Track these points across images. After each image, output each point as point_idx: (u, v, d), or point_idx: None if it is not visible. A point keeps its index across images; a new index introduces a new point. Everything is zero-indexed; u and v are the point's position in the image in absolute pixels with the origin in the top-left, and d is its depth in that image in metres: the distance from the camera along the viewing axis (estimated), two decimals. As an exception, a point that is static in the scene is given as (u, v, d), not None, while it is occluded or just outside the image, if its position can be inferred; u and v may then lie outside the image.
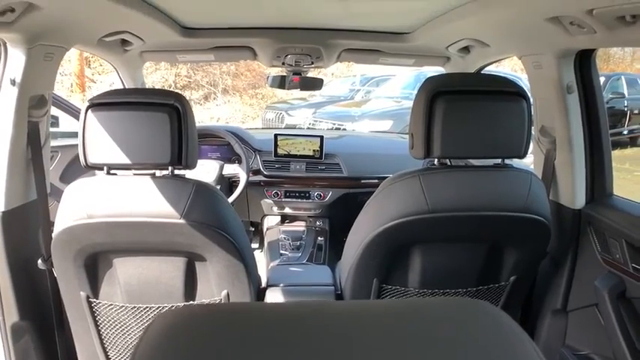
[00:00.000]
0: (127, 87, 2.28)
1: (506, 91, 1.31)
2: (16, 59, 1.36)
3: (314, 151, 2.68)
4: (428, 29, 1.76)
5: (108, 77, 9.91)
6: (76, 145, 2.39)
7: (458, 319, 0.47)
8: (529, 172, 1.42)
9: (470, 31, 1.68)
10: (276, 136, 2.69)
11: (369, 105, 7.31)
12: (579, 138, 1.54)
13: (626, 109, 8.11)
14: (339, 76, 11.29)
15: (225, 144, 2.64)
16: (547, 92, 1.54)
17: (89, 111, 1.31)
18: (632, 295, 1.39)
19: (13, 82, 1.37)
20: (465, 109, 1.28)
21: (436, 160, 1.36)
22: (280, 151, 2.69)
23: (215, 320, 0.44)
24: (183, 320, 0.45)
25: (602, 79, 7.96)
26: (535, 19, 1.27)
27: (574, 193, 1.58)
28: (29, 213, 1.55)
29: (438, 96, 1.28)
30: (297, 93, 9.96)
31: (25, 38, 1.31)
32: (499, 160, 1.39)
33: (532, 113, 1.52)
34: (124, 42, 1.89)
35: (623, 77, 8.50)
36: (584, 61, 1.47)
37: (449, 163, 1.40)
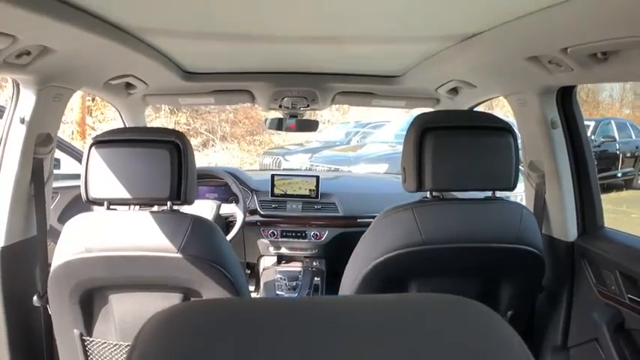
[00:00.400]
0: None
1: (493, 126, 1.39)
2: (27, 99, 1.44)
3: (310, 190, 2.73)
4: (417, 72, 1.87)
5: (109, 125, 10.12)
6: (76, 186, 2.44)
7: (447, 316, 0.50)
8: (520, 205, 1.47)
9: (457, 73, 1.78)
10: (273, 176, 2.75)
11: (364, 149, 7.46)
12: (567, 171, 1.60)
13: (618, 152, 8.29)
14: (334, 122, 11.56)
15: (222, 185, 2.70)
16: (533, 128, 1.62)
17: (93, 148, 1.38)
18: (630, 327, 1.40)
19: (22, 121, 1.44)
20: (454, 143, 1.35)
21: (428, 193, 1.41)
22: (277, 191, 2.74)
23: (213, 313, 0.47)
24: (179, 316, 0.48)
25: (592, 123, 8.22)
26: (516, 59, 1.36)
27: (566, 225, 1.62)
28: (28, 249, 1.58)
29: (427, 131, 1.35)
30: (293, 139, 10.17)
31: (37, 79, 1.39)
32: (490, 193, 1.45)
33: (520, 149, 1.59)
34: (128, 85, 1.99)
35: (612, 121, 8.75)
36: (565, 98, 1.56)
37: (441, 197, 1.45)
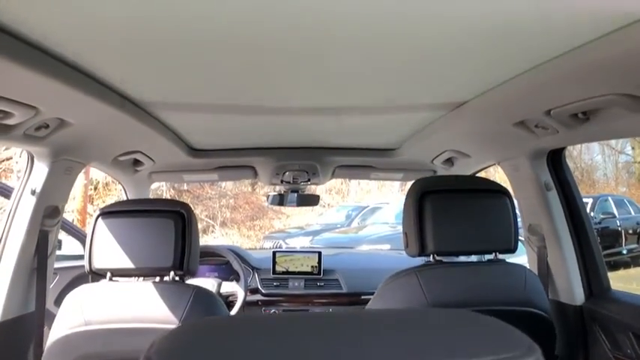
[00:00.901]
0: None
1: (489, 188, 1.45)
2: (40, 171, 1.51)
3: (312, 267, 2.71)
4: (413, 143, 1.96)
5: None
6: (76, 267, 2.43)
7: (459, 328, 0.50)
8: (523, 267, 1.48)
9: (450, 143, 1.88)
10: (274, 253, 2.75)
11: (365, 231, 7.48)
12: (566, 233, 1.62)
13: (619, 228, 8.29)
14: (334, 206, 11.69)
15: (223, 263, 2.68)
16: (528, 192, 1.67)
17: (100, 218, 1.42)
18: None
19: (33, 192, 1.50)
20: (453, 206, 1.40)
21: (431, 256, 1.43)
22: (279, 268, 2.71)
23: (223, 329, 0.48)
24: (186, 337, 0.49)
25: (590, 200, 8.30)
26: (505, 125, 1.45)
27: (572, 289, 1.61)
28: (24, 326, 1.55)
29: (426, 195, 1.40)
30: (294, 222, 10.21)
31: (51, 152, 1.47)
32: (492, 256, 1.46)
33: (517, 213, 1.63)
34: (136, 162, 2.07)
35: (610, 198, 8.86)
36: (556, 160, 1.63)
37: (444, 260, 1.46)
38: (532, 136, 1.44)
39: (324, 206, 12.01)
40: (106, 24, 0.86)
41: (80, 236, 2.69)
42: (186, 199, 11.79)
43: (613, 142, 13.64)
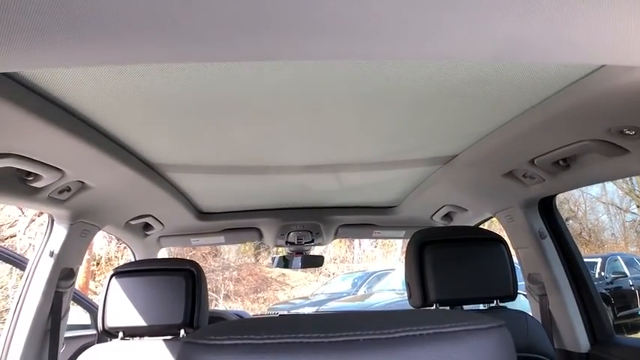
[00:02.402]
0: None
1: (485, 237, 1.53)
2: (58, 233, 1.60)
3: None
4: (411, 200, 2.07)
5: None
6: (82, 336, 2.46)
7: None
8: (524, 313, 1.52)
9: (447, 197, 1.99)
10: (280, 316, 2.75)
11: (372, 298, 7.35)
12: (565, 280, 1.68)
13: (632, 288, 8.13)
14: (339, 274, 11.56)
15: None
16: (524, 241, 1.75)
17: (113, 278, 1.50)
18: None
19: (51, 254, 1.58)
20: (451, 255, 1.48)
21: (434, 306, 1.48)
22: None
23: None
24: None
25: (599, 260, 8.21)
26: (495, 177, 1.57)
27: (576, 336, 1.63)
28: None
29: (425, 246, 1.48)
30: (298, 293, 10.03)
31: (70, 215, 1.57)
32: (494, 304, 1.51)
33: (516, 262, 1.70)
34: (146, 226, 2.17)
35: (619, 257, 8.76)
36: (547, 208, 1.72)
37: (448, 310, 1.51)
38: (521, 185, 1.55)
39: (328, 275, 11.86)
40: (132, 94, 1.01)
41: (86, 304, 2.72)
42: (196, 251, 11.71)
43: (618, 201, 13.72)
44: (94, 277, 11.10)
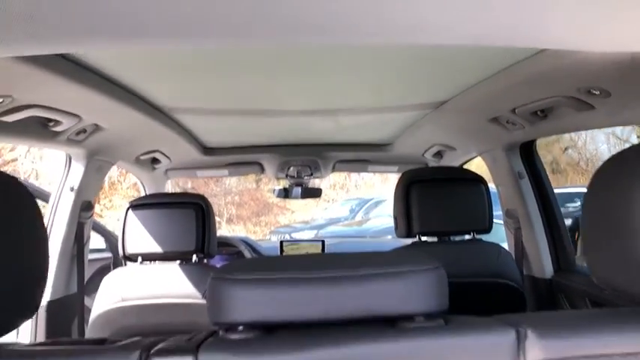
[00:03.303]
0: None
1: (467, 177, 1.69)
2: (76, 170, 1.76)
3: (316, 254, 2.96)
4: (404, 139, 2.21)
5: (116, 212, 10.54)
6: (99, 259, 2.70)
7: None
8: (497, 245, 1.72)
9: (437, 138, 2.12)
10: (281, 242, 3.00)
11: (369, 224, 7.71)
12: (537, 215, 1.86)
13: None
14: (338, 200, 11.93)
15: (235, 253, 2.94)
16: (505, 180, 1.91)
17: (129, 210, 1.68)
18: None
19: (71, 189, 1.76)
20: (434, 193, 1.64)
21: (417, 237, 1.67)
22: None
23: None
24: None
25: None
26: (481, 122, 1.69)
27: (542, 264, 1.85)
28: (68, 304, 1.81)
29: (412, 184, 1.64)
30: (299, 217, 10.47)
31: (86, 154, 1.72)
32: (471, 236, 1.70)
33: (498, 198, 1.87)
34: (154, 160, 2.33)
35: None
36: (527, 152, 1.87)
37: (428, 241, 1.71)
38: (504, 130, 1.68)
39: (328, 201, 12.26)
40: (146, 48, 1.11)
41: (100, 230, 2.95)
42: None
43: (618, 131, 13.77)
44: (99, 201, 11.52)
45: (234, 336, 0.62)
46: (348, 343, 0.60)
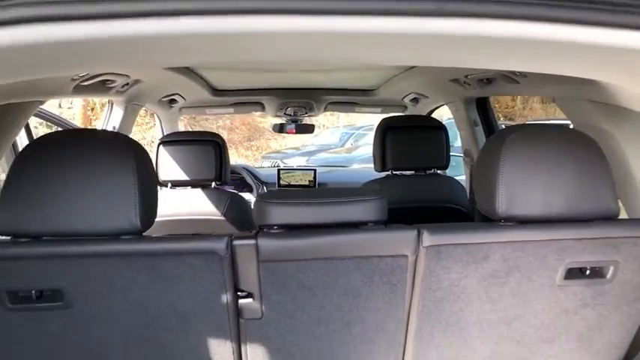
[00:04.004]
0: (165, 133, 3.13)
1: (430, 125, 2.16)
2: (117, 113, 2.20)
3: (309, 181, 3.48)
4: (387, 87, 2.64)
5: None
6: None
7: None
8: (451, 178, 2.24)
9: (414, 88, 2.56)
10: (279, 170, 3.51)
11: (357, 151, 8.23)
12: None
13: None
14: (329, 126, 12.32)
15: (238, 179, 3.45)
16: (463, 126, 2.39)
17: (160, 146, 2.14)
18: None
19: (114, 128, 2.20)
20: (405, 137, 2.12)
21: (390, 171, 2.18)
22: (282, 182, 3.49)
23: None
24: None
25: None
26: (444, 81, 2.14)
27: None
28: None
29: (388, 130, 2.12)
30: (290, 143, 10.93)
31: (125, 100, 2.15)
32: (431, 171, 2.21)
33: (458, 141, 2.35)
34: (172, 101, 2.75)
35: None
36: (482, 105, 2.33)
37: (398, 174, 2.21)
38: (463, 88, 2.13)
39: (319, 127, 12.65)
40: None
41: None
42: (182, 120, 12.39)
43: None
44: (90, 122, 11.80)
45: (271, 231, 1.13)
46: (333, 234, 1.11)
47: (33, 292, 1.04)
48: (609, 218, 1.13)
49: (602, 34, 0.67)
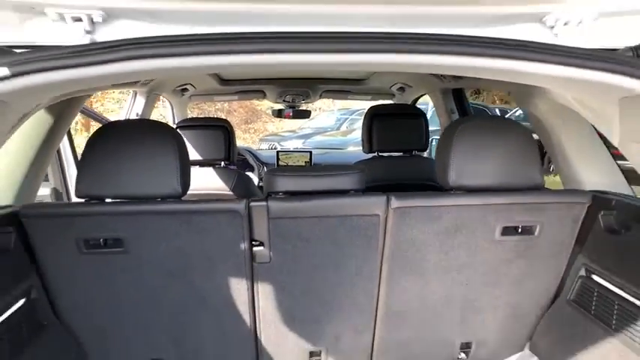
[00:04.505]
0: (176, 118, 3.47)
1: (411, 112, 2.52)
2: (139, 102, 2.55)
3: (305, 162, 3.85)
4: (376, 77, 2.99)
5: (109, 115, 11.19)
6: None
7: None
8: (430, 158, 2.60)
9: (399, 78, 2.92)
10: (278, 152, 3.87)
11: (353, 134, 8.56)
12: None
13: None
14: (325, 109, 12.63)
15: (241, 160, 3.81)
16: (442, 113, 2.75)
17: (178, 129, 2.49)
18: None
19: (137, 115, 2.55)
20: (389, 124, 2.48)
21: (376, 153, 2.54)
22: (281, 163, 3.85)
23: None
24: None
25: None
26: (425, 74, 2.48)
27: None
28: None
29: (374, 117, 2.48)
30: (287, 126, 11.25)
31: (147, 90, 2.50)
32: (413, 153, 2.58)
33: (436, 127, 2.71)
34: (183, 89, 3.10)
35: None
36: (458, 95, 2.69)
37: (383, 155, 2.58)
38: (439, 80, 2.49)
39: (315, 110, 12.98)
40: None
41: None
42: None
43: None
44: (92, 105, 12.09)
45: (278, 196, 1.49)
46: (324, 199, 1.48)
47: (101, 240, 1.41)
48: (535, 188, 1.50)
49: (502, 62, 1.03)
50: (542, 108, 1.71)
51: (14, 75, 0.91)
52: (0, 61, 0.91)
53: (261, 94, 3.36)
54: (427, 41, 0.99)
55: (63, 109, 1.66)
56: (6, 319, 1.27)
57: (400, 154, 2.63)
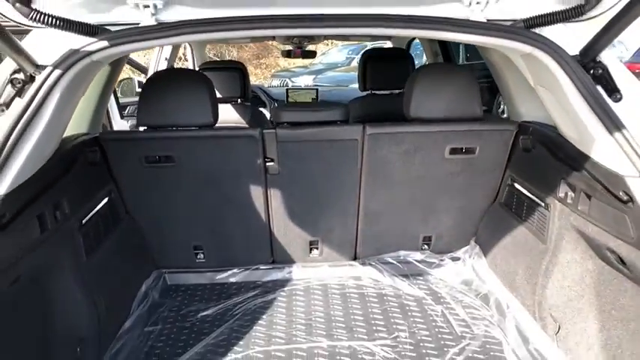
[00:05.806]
0: (196, 59, 3.99)
1: (400, 55, 3.02)
2: (167, 47, 3.08)
3: (312, 98, 4.37)
4: None
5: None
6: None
7: None
8: None
9: None
10: (287, 90, 4.40)
11: (362, 70, 8.92)
12: None
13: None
14: (337, 44, 12.81)
15: (254, 97, 4.35)
16: (429, 55, 3.24)
17: (201, 70, 3.05)
18: None
19: (166, 59, 3.10)
20: (380, 65, 3.00)
21: (370, 90, 3.07)
22: (290, 100, 4.39)
23: None
24: None
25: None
26: None
27: None
28: None
29: (368, 59, 2.99)
30: (299, 61, 11.57)
31: None
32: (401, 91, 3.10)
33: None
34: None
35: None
36: (442, 40, 3.16)
37: (377, 93, 3.11)
38: None
39: (327, 45, 13.18)
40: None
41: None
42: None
43: None
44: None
45: (284, 126, 2.08)
46: (318, 127, 2.05)
47: (157, 157, 2.02)
48: (475, 119, 2.05)
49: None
50: (493, 58, 2.21)
51: (112, 46, 1.47)
52: (101, 36, 1.46)
53: (271, 37, 3.84)
54: (379, 19, 1.52)
55: (117, 62, 2.22)
56: (97, 211, 1.92)
57: (390, 91, 3.15)
